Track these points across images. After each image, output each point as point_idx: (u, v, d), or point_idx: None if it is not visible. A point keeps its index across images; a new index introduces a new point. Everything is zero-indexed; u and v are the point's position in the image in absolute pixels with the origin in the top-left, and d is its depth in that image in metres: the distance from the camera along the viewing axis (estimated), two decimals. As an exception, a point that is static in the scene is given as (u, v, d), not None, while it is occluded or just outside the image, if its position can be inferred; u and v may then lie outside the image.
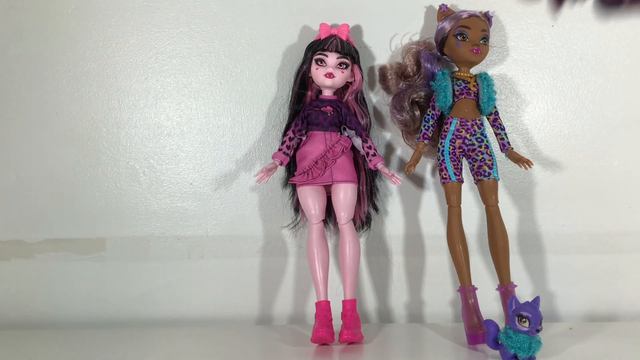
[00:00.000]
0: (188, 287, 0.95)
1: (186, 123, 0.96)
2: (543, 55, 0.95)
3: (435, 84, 0.84)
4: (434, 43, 0.89)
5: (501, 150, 0.86)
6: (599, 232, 0.95)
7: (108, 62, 0.95)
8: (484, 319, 0.74)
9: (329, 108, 0.83)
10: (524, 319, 0.67)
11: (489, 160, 0.83)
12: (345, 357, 0.74)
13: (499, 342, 0.69)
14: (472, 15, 0.84)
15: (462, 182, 0.84)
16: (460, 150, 0.84)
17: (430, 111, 0.86)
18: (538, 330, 0.67)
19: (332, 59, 0.82)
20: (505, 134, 0.86)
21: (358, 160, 0.87)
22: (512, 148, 0.86)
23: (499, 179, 0.83)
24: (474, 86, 0.84)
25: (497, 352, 0.71)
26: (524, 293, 0.93)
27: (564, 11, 0.94)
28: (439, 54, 0.88)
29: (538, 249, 0.95)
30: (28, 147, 0.96)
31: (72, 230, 0.95)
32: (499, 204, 0.83)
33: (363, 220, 0.89)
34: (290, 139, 0.84)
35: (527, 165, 0.82)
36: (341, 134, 0.84)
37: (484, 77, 0.85)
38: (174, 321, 0.95)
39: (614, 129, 0.95)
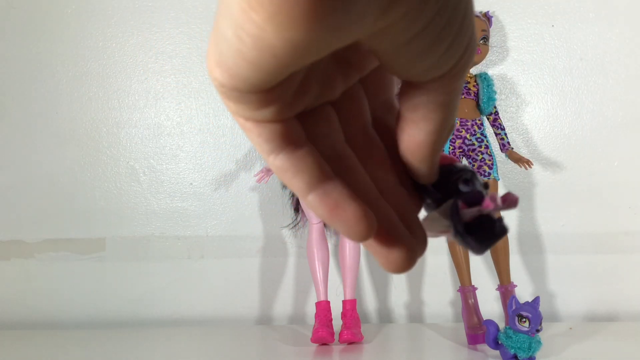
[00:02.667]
0: (188, 287, 0.95)
1: (186, 123, 0.96)
2: (543, 55, 0.95)
3: (435, 84, 0.84)
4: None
5: (501, 150, 0.86)
6: (599, 232, 0.95)
7: (108, 62, 0.95)
8: (484, 319, 0.74)
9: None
10: (524, 319, 0.67)
11: (489, 160, 0.83)
12: (345, 357, 0.74)
13: (499, 342, 0.69)
14: (472, 15, 0.84)
15: (462, 182, 0.84)
16: (460, 150, 0.84)
17: (430, 111, 0.86)
18: (538, 330, 0.67)
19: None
20: (505, 134, 0.86)
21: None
22: (512, 148, 0.86)
23: (499, 179, 0.83)
24: (474, 86, 0.84)
25: (497, 352, 0.71)
26: (524, 293, 0.93)
27: (564, 11, 0.94)
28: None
29: (538, 249, 0.95)
30: (28, 147, 0.96)
31: (72, 230, 0.95)
32: (499, 204, 0.83)
33: (363, 220, 0.89)
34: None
35: (527, 165, 0.82)
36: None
37: (484, 77, 0.85)
38: (174, 321, 0.95)
39: (614, 129, 0.95)
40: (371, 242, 0.22)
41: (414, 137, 0.21)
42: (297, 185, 0.20)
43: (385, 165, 0.23)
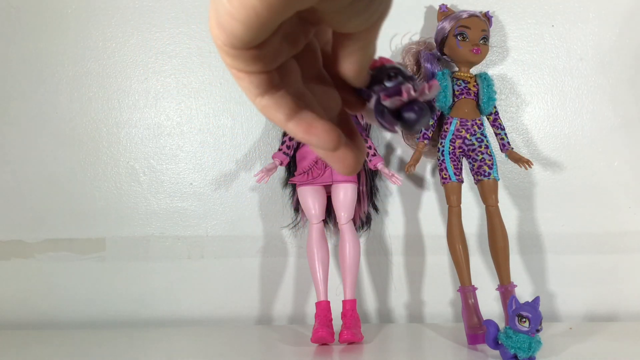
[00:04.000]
0: (188, 287, 0.95)
1: (186, 123, 0.96)
2: (543, 55, 0.95)
3: (435, 84, 0.84)
4: (434, 43, 0.89)
5: (501, 150, 0.86)
6: (599, 232, 0.95)
7: (108, 62, 0.95)
8: (484, 319, 0.74)
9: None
10: (524, 319, 0.67)
11: (489, 160, 0.83)
12: (345, 357, 0.74)
13: (499, 342, 0.69)
14: (472, 15, 0.84)
15: (462, 182, 0.84)
16: (460, 150, 0.84)
17: (430, 111, 0.85)
18: (538, 330, 0.67)
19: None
20: (505, 134, 0.86)
21: (358, 160, 0.87)
22: (512, 148, 0.86)
23: (499, 179, 0.83)
24: (474, 86, 0.84)
25: (497, 352, 0.71)
26: (524, 293, 0.93)
27: (564, 11, 0.94)
28: (439, 54, 0.88)
29: (538, 249, 0.95)
30: (28, 147, 0.96)
31: (72, 230, 0.96)
32: (499, 204, 0.83)
33: (363, 220, 0.89)
34: (291, 139, 0.84)
35: (527, 165, 0.82)
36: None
37: (484, 77, 0.85)
38: (174, 321, 0.95)
39: (614, 129, 0.95)
40: (329, 153, 0.29)
41: (345, 67, 0.29)
42: (279, 117, 0.27)
43: (331, 86, 0.31)
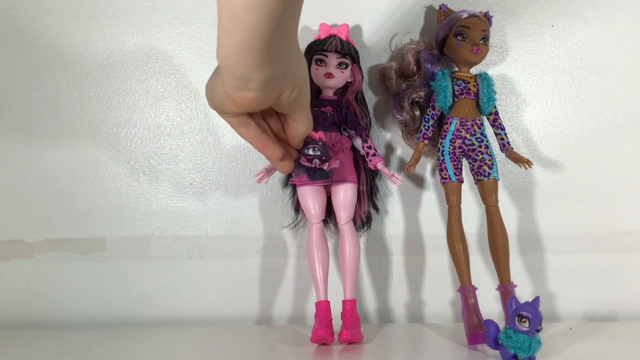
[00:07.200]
0: (188, 287, 0.95)
1: (186, 123, 0.96)
2: (543, 55, 0.95)
3: (435, 84, 0.84)
4: (434, 43, 0.89)
5: (501, 150, 0.86)
6: (599, 232, 0.95)
7: (108, 62, 0.95)
8: (484, 319, 0.74)
9: (329, 108, 0.83)
10: (524, 319, 0.67)
11: (489, 160, 0.83)
12: (345, 357, 0.74)
13: (499, 342, 0.69)
14: (472, 15, 0.84)
15: (462, 182, 0.84)
16: (460, 150, 0.84)
17: (430, 111, 0.86)
18: (538, 330, 0.67)
19: (332, 59, 0.82)
20: (505, 134, 0.86)
21: (358, 160, 0.87)
22: (512, 148, 0.86)
23: (499, 179, 0.83)
24: (474, 86, 0.84)
25: (497, 352, 0.71)
26: (524, 293, 0.93)
27: (564, 11, 0.94)
28: (439, 54, 0.88)
29: (538, 249, 0.95)
30: (28, 147, 0.96)
31: (72, 230, 0.96)
32: (499, 204, 0.83)
33: (363, 220, 0.89)
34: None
35: (527, 165, 0.82)
36: (341, 134, 0.84)
37: (484, 77, 0.85)
38: (174, 321, 0.95)
39: (614, 129, 0.95)
40: (277, 160, 0.57)
41: (288, 132, 0.58)
42: (250, 137, 0.54)
43: (280, 139, 0.58)
